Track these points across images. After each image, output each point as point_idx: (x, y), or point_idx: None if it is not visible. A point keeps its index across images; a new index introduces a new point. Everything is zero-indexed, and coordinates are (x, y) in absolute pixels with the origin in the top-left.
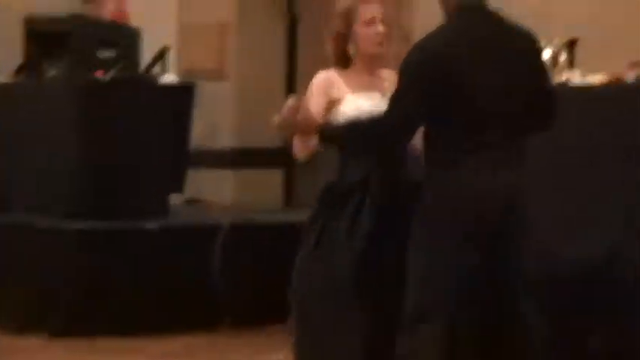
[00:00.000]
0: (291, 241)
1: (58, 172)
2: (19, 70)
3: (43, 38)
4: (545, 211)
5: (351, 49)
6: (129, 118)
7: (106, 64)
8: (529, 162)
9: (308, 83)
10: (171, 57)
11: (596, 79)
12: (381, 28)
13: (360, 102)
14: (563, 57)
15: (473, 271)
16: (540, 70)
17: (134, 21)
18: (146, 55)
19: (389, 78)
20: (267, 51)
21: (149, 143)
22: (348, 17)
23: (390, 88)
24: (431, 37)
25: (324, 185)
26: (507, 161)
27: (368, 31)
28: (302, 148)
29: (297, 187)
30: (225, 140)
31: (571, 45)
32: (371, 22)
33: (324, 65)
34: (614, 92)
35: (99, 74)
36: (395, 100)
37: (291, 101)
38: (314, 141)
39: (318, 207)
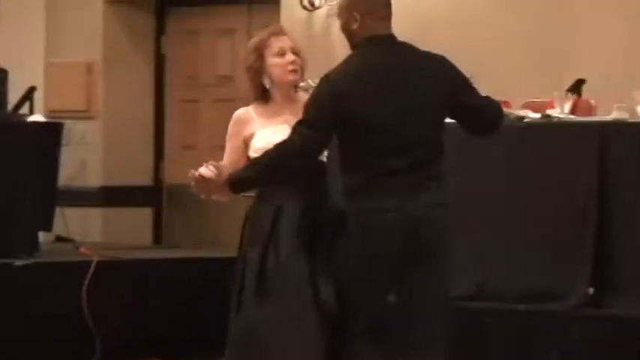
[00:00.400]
0: (159, 277)
1: None
2: None
3: None
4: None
5: (267, 82)
6: None
7: None
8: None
9: (175, 122)
10: (39, 97)
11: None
12: (292, 56)
13: (269, 136)
14: None
15: (384, 292)
16: (461, 89)
17: (0, 61)
18: (13, 95)
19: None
20: (135, 90)
21: (17, 182)
22: (260, 51)
23: None
24: (338, 70)
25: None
26: (414, 187)
27: (280, 61)
28: (223, 197)
29: (166, 225)
30: (95, 179)
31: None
32: (281, 52)
33: (191, 105)
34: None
35: None
36: (301, 129)
37: (203, 169)
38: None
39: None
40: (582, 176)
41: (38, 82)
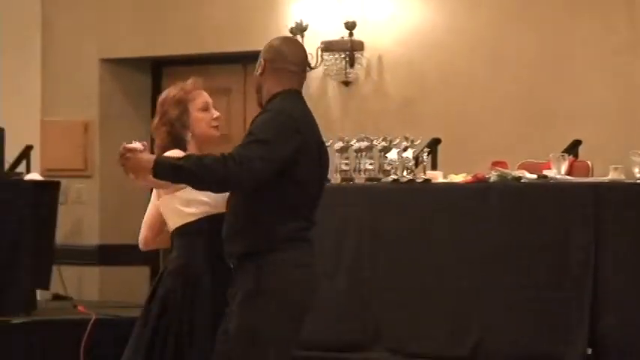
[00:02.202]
0: None
1: None
2: None
3: None
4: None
5: (187, 135)
6: None
7: None
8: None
9: None
10: (35, 155)
11: (459, 177)
12: (216, 112)
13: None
14: (425, 157)
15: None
16: None
17: None
18: (9, 154)
19: None
20: None
21: (14, 240)
22: (183, 104)
23: None
24: (287, 108)
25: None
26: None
27: (205, 116)
28: (148, 184)
29: None
30: (91, 237)
31: (434, 145)
32: (205, 107)
33: None
34: (478, 189)
35: None
36: (255, 147)
37: (122, 147)
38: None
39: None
40: (578, 238)
41: (35, 140)
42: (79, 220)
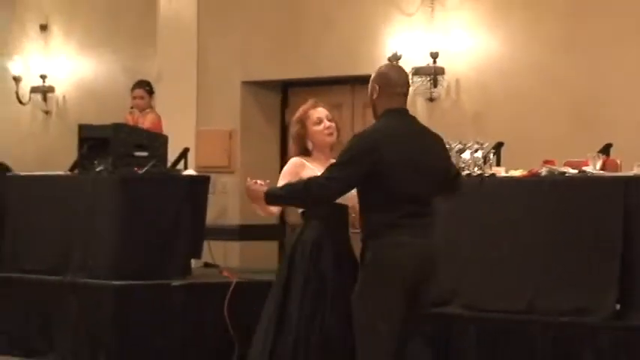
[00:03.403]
0: None
1: (106, 242)
2: (73, 166)
3: (92, 142)
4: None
5: (309, 145)
6: (160, 202)
7: (140, 162)
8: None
9: None
10: (191, 156)
11: (518, 172)
12: (328, 123)
13: None
14: (491, 156)
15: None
16: (448, 159)
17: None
18: (171, 155)
19: None
20: (265, 151)
21: (175, 221)
22: (303, 121)
23: None
24: (369, 130)
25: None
26: (421, 230)
27: (319, 128)
28: (262, 211)
29: None
30: (233, 219)
31: (498, 147)
32: (319, 120)
33: None
34: (533, 181)
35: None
36: (334, 169)
37: (248, 180)
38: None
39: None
40: (611, 218)
41: (191, 144)
42: (224, 205)
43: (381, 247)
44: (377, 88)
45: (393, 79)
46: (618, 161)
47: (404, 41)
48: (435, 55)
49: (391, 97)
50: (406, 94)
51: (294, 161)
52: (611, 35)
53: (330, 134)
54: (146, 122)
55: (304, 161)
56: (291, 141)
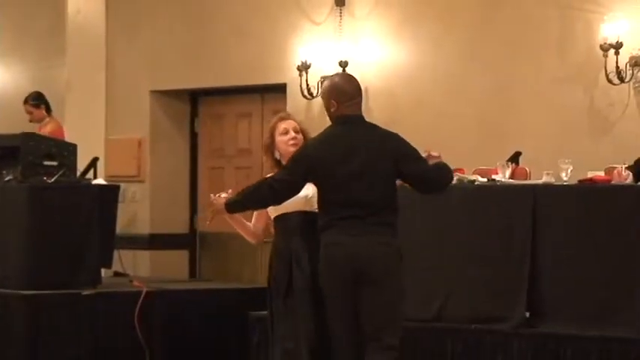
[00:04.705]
0: (194, 303)
1: (16, 251)
2: None
3: (1, 151)
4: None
5: (277, 154)
6: (70, 212)
7: (50, 171)
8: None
9: (205, 184)
10: (101, 165)
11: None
12: (293, 134)
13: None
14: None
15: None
16: (403, 159)
17: (71, 137)
18: (80, 164)
19: None
20: (174, 159)
21: (84, 230)
22: (271, 132)
23: None
24: (314, 139)
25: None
26: (358, 229)
27: (284, 138)
28: (246, 235)
29: (200, 264)
30: (143, 228)
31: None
32: (285, 131)
33: (218, 171)
34: None
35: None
36: (280, 172)
37: (210, 197)
38: (257, 225)
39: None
40: (519, 226)
41: (100, 153)
42: (134, 214)
43: (322, 247)
44: (334, 103)
45: (349, 92)
46: (527, 169)
47: (313, 50)
48: (344, 64)
49: (348, 107)
50: (361, 102)
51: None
52: (517, 44)
53: (295, 145)
54: (46, 132)
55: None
56: (262, 151)
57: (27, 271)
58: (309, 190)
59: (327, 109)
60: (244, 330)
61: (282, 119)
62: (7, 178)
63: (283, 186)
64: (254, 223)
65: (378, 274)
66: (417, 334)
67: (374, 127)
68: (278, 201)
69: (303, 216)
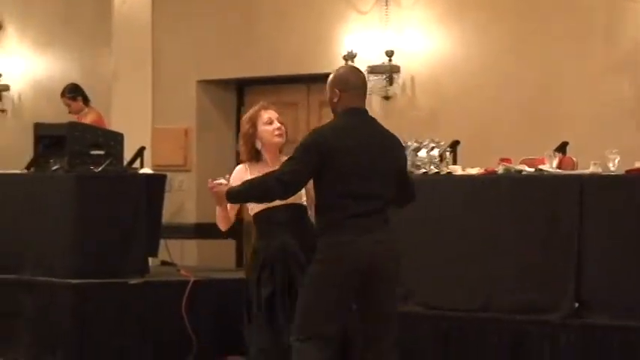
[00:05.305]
0: (241, 292)
1: (63, 240)
2: (29, 165)
3: (48, 140)
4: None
5: (258, 145)
6: (116, 201)
7: (96, 161)
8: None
9: None
10: (147, 154)
11: (474, 170)
12: (278, 124)
13: None
14: (447, 154)
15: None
16: (402, 164)
17: (117, 126)
18: (127, 154)
19: None
20: (220, 149)
21: (131, 219)
22: (253, 121)
23: None
24: (323, 127)
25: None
26: (367, 228)
27: (268, 128)
28: (221, 220)
29: (246, 253)
30: (190, 217)
31: (454, 145)
32: (270, 121)
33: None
34: (489, 179)
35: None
36: (288, 163)
37: (209, 182)
38: (230, 214)
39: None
40: (566, 216)
41: (147, 143)
42: (180, 204)
43: (326, 247)
44: (337, 92)
45: (352, 82)
46: (574, 159)
47: (359, 40)
48: (390, 54)
49: (351, 98)
50: (365, 95)
51: (237, 169)
52: (564, 33)
53: (280, 135)
54: (87, 122)
55: (247, 167)
56: (240, 141)
57: (74, 261)
58: None
59: (330, 99)
60: None
61: (265, 108)
62: (54, 168)
63: (294, 177)
64: (229, 210)
65: (392, 271)
66: (462, 323)
67: (379, 124)
68: (287, 195)
69: (292, 210)
